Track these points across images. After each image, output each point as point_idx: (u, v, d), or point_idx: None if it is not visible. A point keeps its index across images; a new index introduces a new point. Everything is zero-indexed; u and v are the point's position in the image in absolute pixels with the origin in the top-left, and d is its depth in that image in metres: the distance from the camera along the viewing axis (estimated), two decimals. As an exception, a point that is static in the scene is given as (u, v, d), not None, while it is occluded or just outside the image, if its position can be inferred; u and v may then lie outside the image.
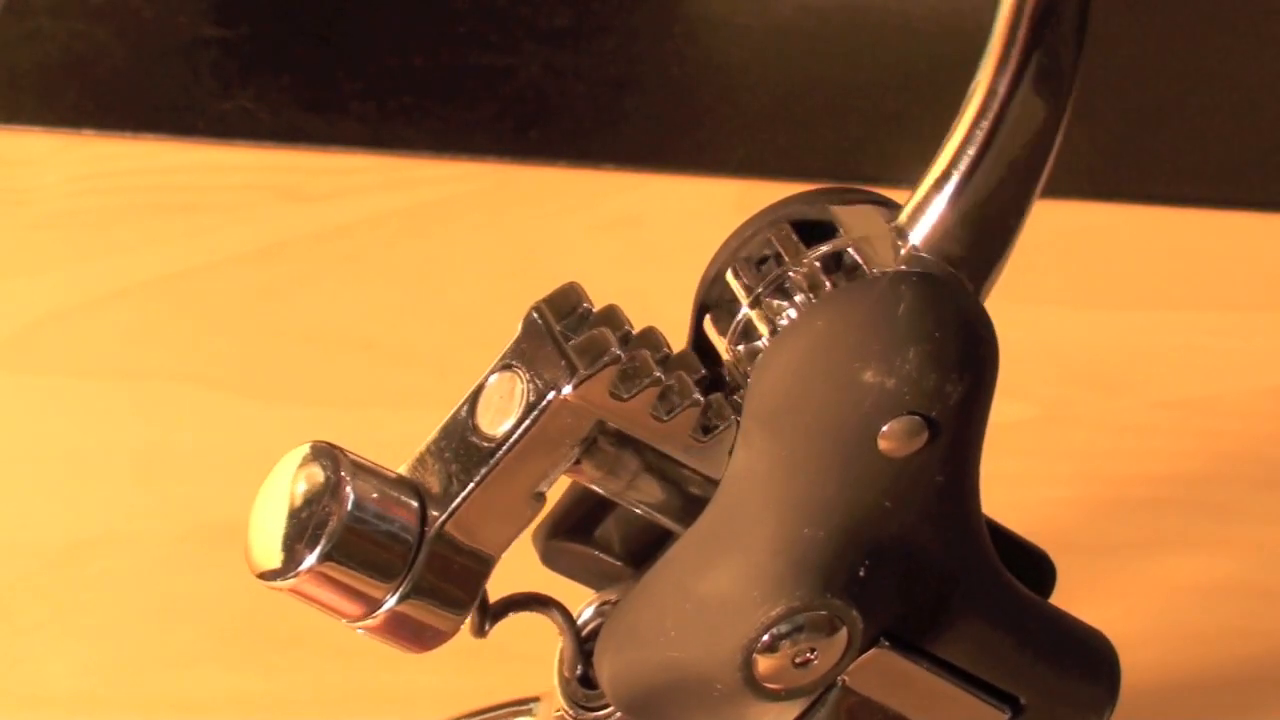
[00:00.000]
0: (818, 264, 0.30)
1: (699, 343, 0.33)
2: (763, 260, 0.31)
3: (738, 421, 0.31)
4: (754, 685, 0.32)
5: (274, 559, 0.30)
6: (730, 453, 0.31)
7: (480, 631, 0.32)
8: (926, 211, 0.30)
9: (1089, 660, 0.35)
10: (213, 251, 0.61)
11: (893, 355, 0.29)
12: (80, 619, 0.51)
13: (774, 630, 0.31)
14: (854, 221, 0.31)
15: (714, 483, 0.31)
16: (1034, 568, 0.35)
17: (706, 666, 0.32)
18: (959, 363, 0.30)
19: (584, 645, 0.35)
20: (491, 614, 0.33)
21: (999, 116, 0.30)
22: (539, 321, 0.31)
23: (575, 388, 0.30)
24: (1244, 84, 0.66)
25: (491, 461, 0.30)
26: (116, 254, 0.61)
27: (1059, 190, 0.63)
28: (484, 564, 0.31)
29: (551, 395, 0.30)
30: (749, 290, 0.31)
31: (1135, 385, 0.57)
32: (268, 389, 0.57)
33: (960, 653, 0.33)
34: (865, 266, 0.30)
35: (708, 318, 0.32)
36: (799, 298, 0.30)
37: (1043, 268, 0.59)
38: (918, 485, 0.31)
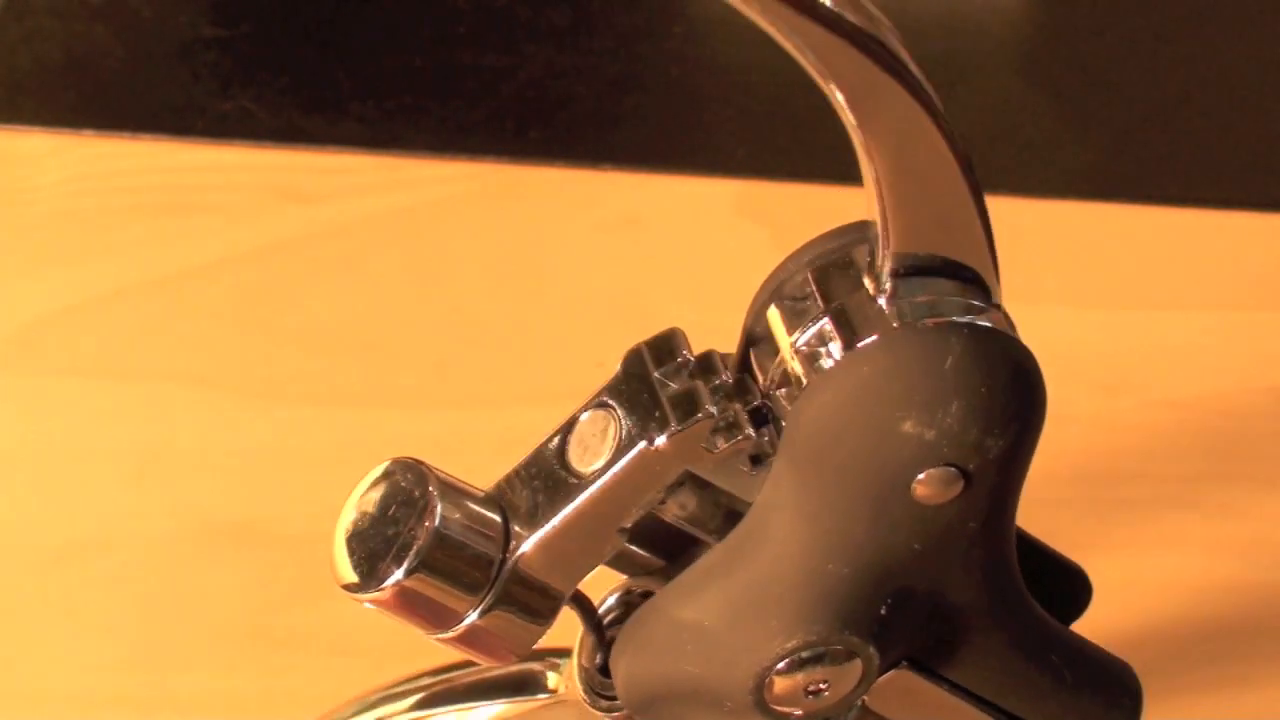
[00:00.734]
0: (829, 326, 0.30)
1: (746, 370, 0.32)
2: (805, 297, 0.31)
3: (754, 435, 0.31)
4: (764, 709, 0.32)
5: (359, 573, 0.31)
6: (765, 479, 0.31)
7: (593, 658, 0.34)
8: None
9: (1111, 692, 0.35)
10: (213, 251, 0.61)
11: (935, 408, 0.29)
12: (80, 619, 0.51)
13: (788, 660, 0.31)
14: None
15: (744, 503, 0.32)
16: (1069, 583, 0.35)
17: (719, 685, 0.32)
18: (1003, 418, 0.29)
19: (604, 632, 0.35)
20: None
21: None
22: (638, 364, 0.31)
23: (666, 440, 0.30)
24: (1244, 84, 0.66)
25: (579, 498, 0.31)
26: (116, 254, 0.61)
27: (1059, 190, 0.63)
28: (565, 585, 0.32)
29: (643, 445, 0.30)
30: (789, 330, 0.31)
31: (1135, 385, 0.57)
32: (268, 389, 0.57)
33: (979, 681, 0.33)
34: (913, 314, 0.29)
35: (774, 306, 0.32)
36: (835, 345, 0.30)
37: (1042, 268, 0.59)
38: (950, 531, 0.30)
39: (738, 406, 0.31)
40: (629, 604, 0.35)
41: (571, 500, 0.31)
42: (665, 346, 0.32)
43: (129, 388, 0.57)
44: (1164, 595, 0.51)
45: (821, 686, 0.31)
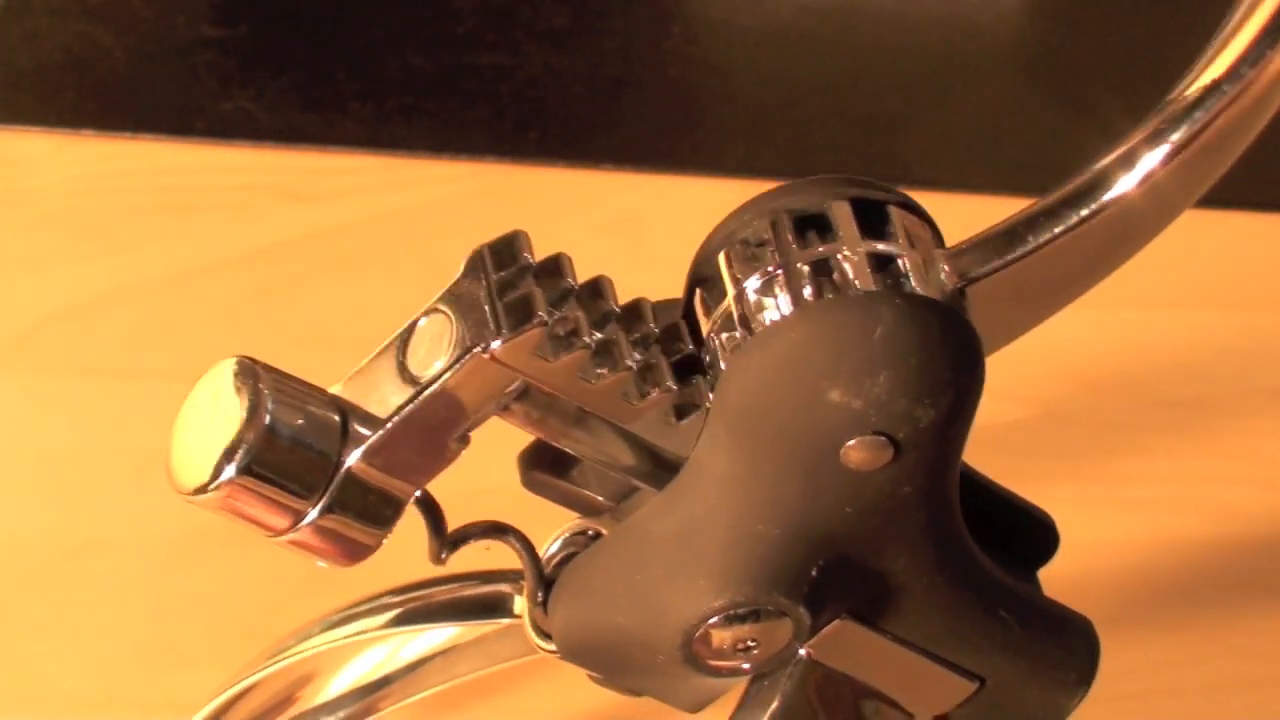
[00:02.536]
0: (806, 268, 0.29)
1: (689, 315, 0.32)
2: (760, 244, 0.30)
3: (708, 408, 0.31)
4: (694, 662, 0.32)
5: (196, 475, 0.30)
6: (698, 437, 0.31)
7: (438, 559, 0.33)
8: (980, 254, 0.30)
9: (1064, 646, 0.34)
10: (213, 251, 0.61)
11: (862, 377, 0.29)
12: (80, 619, 0.51)
13: (718, 618, 0.31)
14: (851, 226, 0.30)
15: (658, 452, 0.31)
16: (1034, 532, 0.35)
17: (650, 638, 0.32)
18: (933, 389, 0.29)
19: (549, 575, 0.34)
20: (450, 542, 0.33)
21: (1104, 205, 0.30)
22: (478, 267, 0.31)
23: (498, 346, 0.29)
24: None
25: (414, 403, 0.30)
26: (116, 254, 0.61)
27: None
28: (404, 490, 0.31)
29: (475, 350, 0.30)
30: (736, 281, 0.30)
31: (1135, 385, 0.57)
32: (268, 389, 0.57)
33: (923, 635, 0.33)
34: (852, 279, 0.29)
35: (699, 292, 0.32)
36: (781, 299, 0.29)
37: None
38: (882, 495, 0.30)
39: (661, 358, 0.31)
40: (575, 545, 0.35)
41: (407, 404, 0.30)
42: (507, 250, 0.31)
43: (129, 388, 0.57)
44: (1163, 595, 0.51)
45: (751, 644, 0.32)
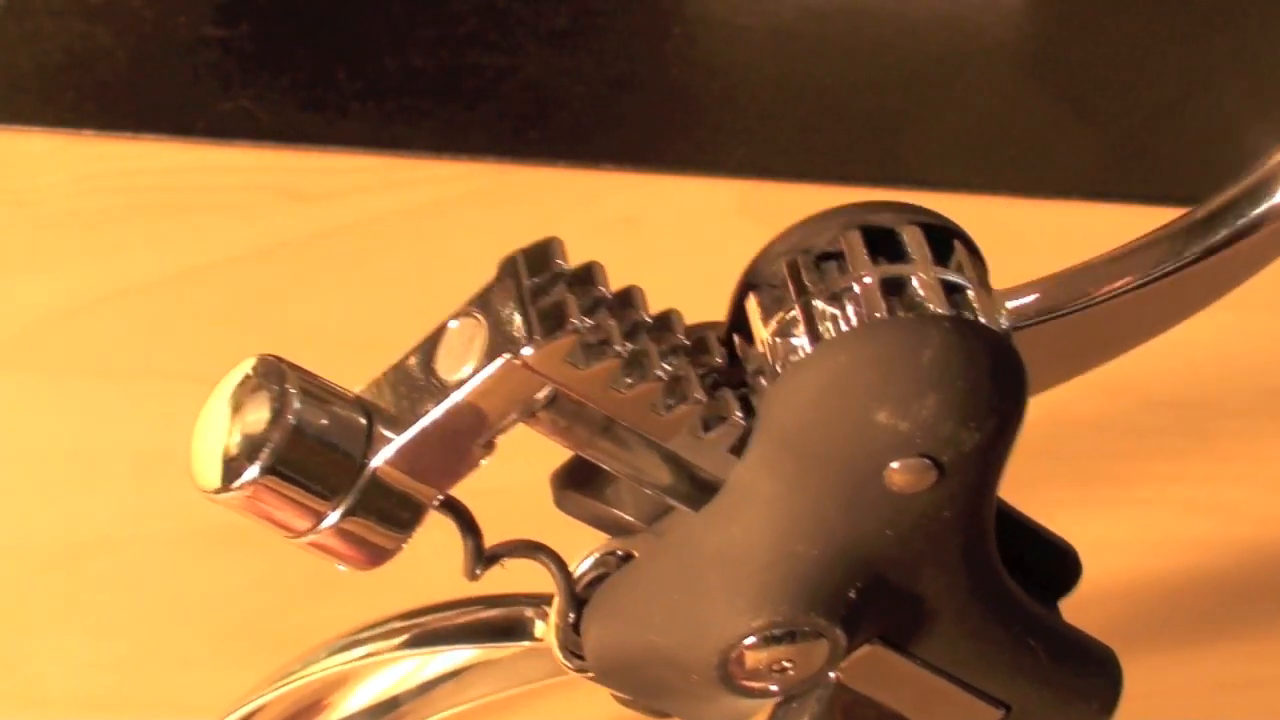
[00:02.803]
0: (878, 285, 0.29)
1: (736, 319, 0.32)
2: (825, 257, 0.30)
3: (743, 421, 0.30)
4: (729, 683, 0.32)
5: (219, 475, 0.30)
6: (737, 452, 0.31)
7: (473, 575, 0.33)
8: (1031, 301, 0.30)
9: (1087, 676, 0.35)
10: (213, 251, 0.61)
11: (910, 400, 0.29)
12: (80, 619, 0.51)
13: (754, 638, 0.31)
14: (924, 250, 0.30)
15: (695, 470, 0.31)
16: (1056, 562, 0.35)
17: (685, 658, 0.32)
18: (979, 412, 0.29)
19: (580, 594, 0.34)
20: (485, 559, 0.33)
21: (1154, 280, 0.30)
22: (511, 273, 0.31)
23: (529, 353, 0.29)
24: (1244, 84, 0.66)
25: (440, 407, 0.30)
26: (116, 254, 0.61)
27: (1059, 190, 0.63)
28: (427, 494, 0.31)
29: (506, 356, 0.29)
30: (801, 289, 0.30)
31: (1135, 385, 0.57)
32: (268, 389, 0.57)
33: (952, 661, 0.33)
34: (925, 302, 0.29)
35: (753, 297, 0.32)
36: (850, 310, 0.29)
37: (1042, 268, 0.59)
38: (923, 519, 0.30)
39: (690, 369, 0.31)
40: (607, 565, 0.34)
41: (434, 408, 0.30)
42: (541, 256, 0.31)
43: (129, 388, 0.57)
44: (1163, 595, 0.51)
45: (787, 665, 0.31)
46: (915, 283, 0.29)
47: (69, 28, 0.68)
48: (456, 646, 0.39)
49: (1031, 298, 0.31)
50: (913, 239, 0.30)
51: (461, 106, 0.65)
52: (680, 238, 0.59)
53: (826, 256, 0.30)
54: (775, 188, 0.62)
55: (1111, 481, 0.54)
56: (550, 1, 0.69)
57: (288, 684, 0.41)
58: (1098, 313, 0.31)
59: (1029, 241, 0.60)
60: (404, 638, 0.40)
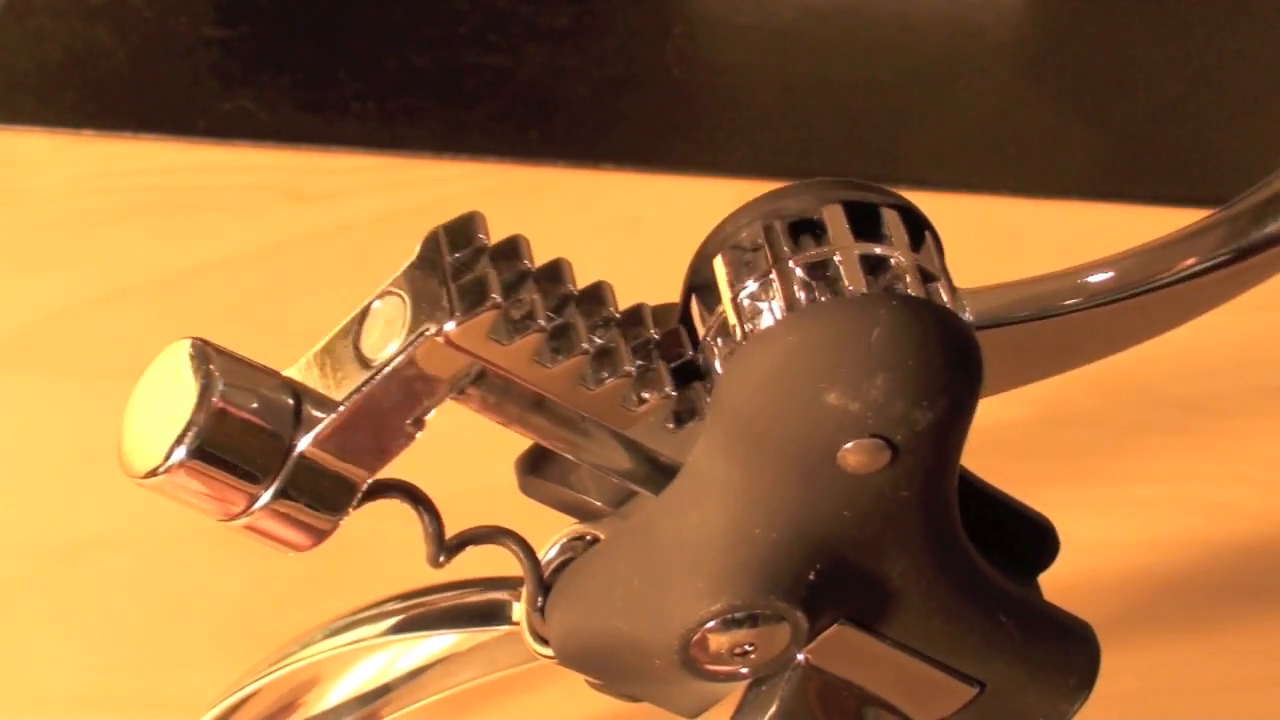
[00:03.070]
0: (801, 272, 0.29)
1: (686, 321, 0.32)
2: (754, 248, 0.30)
3: (674, 394, 0.30)
4: (692, 667, 0.32)
5: (147, 459, 0.30)
6: (680, 426, 0.31)
7: (436, 563, 0.32)
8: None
9: (1065, 650, 0.35)
10: (213, 251, 0.61)
11: (860, 380, 0.29)
12: (80, 619, 0.51)
13: (714, 622, 0.31)
14: (844, 228, 0.30)
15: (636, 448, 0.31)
16: (1034, 538, 0.35)
17: (647, 643, 0.32)
18: (930, 391, 0.29)
19: (547, 580, 0.34)
20: (448, 548, 0.32)
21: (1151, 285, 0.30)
22: (433, 250, 0.30)
23: (451, 328, 0.29)
24: (1244, 84, 0.66)
25: (367, 386, 0.30)
26: (116, 254, 0.61)
27: (1059, 190, 0.63)
28: (359, 475, 0.31)
29: (428, 333, 0.29)
30: (731, 286, 0.30)
31: (1135, 385, 0.57)
32: (268, 389, 0.57)
33: (922, 639, 0.33)
34: (847, 282, 0.29)
35: (694, 298, 0.32)
36: (776, 303, 0.29)
37: (1043, 268, 0.59)
38: (880, 498, 0.30)
39: (661, 363, 0.30)
40: (574, 550, 0.34)
41: (360, 387, 0.30)
42: (463, 231, 0.31)
43: (129, 388, 0.57)
44: (1163, 595, 0.51)
45: (749, 648, 0.31)
46: (835, 262, 0.29)
47: (69, 28, 0.68)
48: (439, 632, 0.39)
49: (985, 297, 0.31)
50: (832, 218, 0.30)
51: (462, 106, 0.65)
52: (680, 238, 0.59)
53: (756, 247, 0.30)
54: (775, 188, 0.62)
55: (1112, 482, 0.54)
56: (550, 1, 0.69)
57: (275, 671, 0.41)
58: (1078, 319, 0.31)
59: (1029, 241, 0.60)
60: (391, 622, 0.40)
